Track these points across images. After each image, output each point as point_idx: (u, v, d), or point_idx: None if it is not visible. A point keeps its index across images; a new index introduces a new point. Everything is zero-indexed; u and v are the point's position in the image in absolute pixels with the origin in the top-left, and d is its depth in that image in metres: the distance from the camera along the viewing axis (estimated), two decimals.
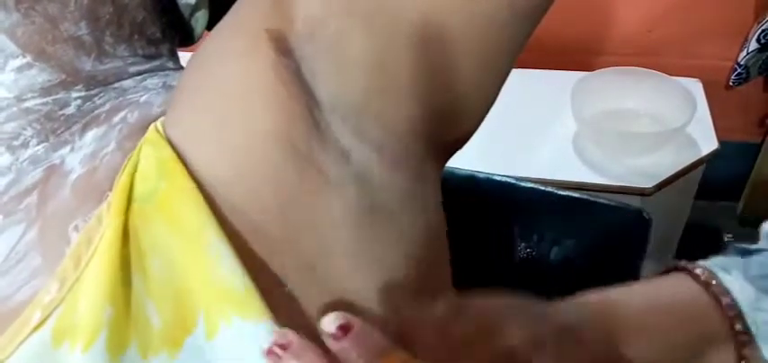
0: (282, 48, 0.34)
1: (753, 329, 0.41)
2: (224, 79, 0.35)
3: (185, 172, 0.33)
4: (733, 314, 0.41)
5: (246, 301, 0.32)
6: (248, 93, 0.34)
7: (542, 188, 0.54)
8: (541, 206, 0.54)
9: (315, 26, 0.34)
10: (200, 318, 0.32)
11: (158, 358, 0.32)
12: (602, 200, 0.54)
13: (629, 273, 0.57)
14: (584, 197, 0.54)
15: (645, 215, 0.54)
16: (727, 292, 0.42)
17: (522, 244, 0.53)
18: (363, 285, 0.35)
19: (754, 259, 0.44)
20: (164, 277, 0.33)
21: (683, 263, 0.44)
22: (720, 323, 0.42)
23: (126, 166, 0.34)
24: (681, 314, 0.43)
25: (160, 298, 0.32)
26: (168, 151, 0.34)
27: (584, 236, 0.54)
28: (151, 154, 0.34)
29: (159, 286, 0.32)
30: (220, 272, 0.32)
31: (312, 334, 0.32)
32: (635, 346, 0.41)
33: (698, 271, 0.43)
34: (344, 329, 0.32)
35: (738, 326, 0.41)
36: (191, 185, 0.33)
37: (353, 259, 0.35)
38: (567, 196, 0.54)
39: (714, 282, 0.42)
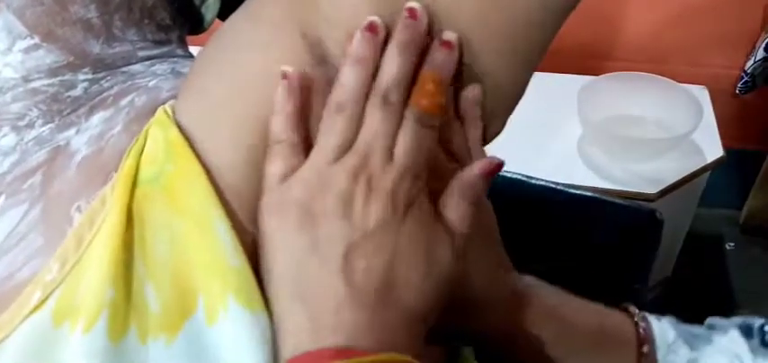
0: (320, 55, 0.35)
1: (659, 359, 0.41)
2: (243, 69, 0.35)
3: (193, 156, 0.33)
4: (645, 334, 0.42)
5: (246, 287, 0.32)
6: (269, 85, 0.34)
7: (554, 185, 0.54)
8: (553, 204, 0.54)
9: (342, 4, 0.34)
10: (200, 302, 0.32)
11: (157, 343, 0.32)
12: (615, 200, 0.54)
13: (639, 274, 0.56)
14: (597, 196, 0.54)
15: (658, 215, 0.54)
16: (647, 322, 0.43)
17: (533, 242, 0.52)
18: None
19: (693, 327, 0.44)
20: (165, 258, 0.32)
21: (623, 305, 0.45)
22: (630, 334, 0.42)
23: (132, 148, 0.34)
24: (592, 308, 0.43)
25: (160, 280, 0.32)
26: (176, 133, 0.34)
27: (596, 236, 0.53)
28: (159, 137, 0.34)
29: (160, 267, 0.32)
30: (222, 256, 0.32)
31: None
32: (536, 322, 0.41)
33: (631, 308, 0.44)
34: None
35: (646, 348, 0.42)
36: (198, 169, 0.33)
37: None
38: (580, 195, 0.54)
39: (639, 314, 0.43)
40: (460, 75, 0.35)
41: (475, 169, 0.35)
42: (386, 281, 0.32)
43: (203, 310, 0.32)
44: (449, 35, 0.34)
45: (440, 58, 0.34)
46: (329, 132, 0.33)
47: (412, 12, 0.33)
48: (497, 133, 0.40)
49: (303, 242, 0.32)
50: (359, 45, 0.33)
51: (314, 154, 0.34)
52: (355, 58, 0.33)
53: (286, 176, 0.33)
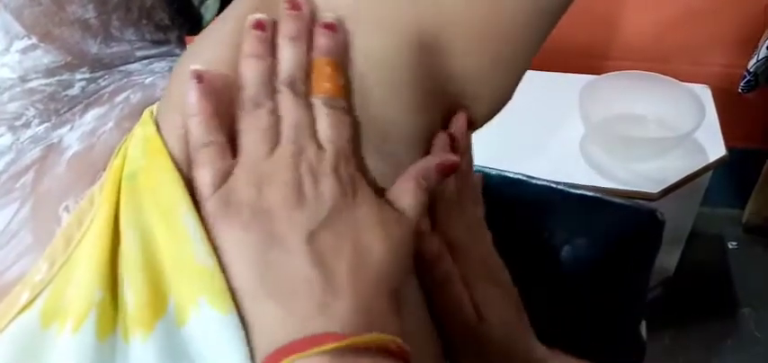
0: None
1: None
2: (206, 65, 0.34)
3: (165, 151, 0.33)
4: None
5: (216, 287, 0.31)
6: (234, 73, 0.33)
7: (555, 185, 0.53)
8: (554, 203, 0.53)
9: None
10: (171, 301, 0.32)
11: (135, 339, 0.31)
12: (616, 200, 0.54)
13: (639, 274, 0.56)
14: (598, 196, 0.54)
15: (659, 215, 0.53)
16: None
17: (533, 242, 0.52)
18: None
19: None
20: (136, 255, 0.32)
21: None
22: None
23: (121, 147, 0.34)
24: None
25: (134, 278, 0.32)
26: (152, 129, 0.33)
27: (597, 236, 0.53)
28: (139, 135, 0.34)
29: (132, 264, 0.32)
30: (190, 254, 0.32)
31: None
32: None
33: None
34: None
35: None
36: (168, 164, 0.33)
37: None
38: (581, 194, 0.54)
39: None
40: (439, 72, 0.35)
41: (432, 160, 0.36)
42: (356, 257, 0.32)
43: (174, 310, 0.32)
44: (328, 17, 0.34)
45: (325, 42, 0.34)
46: (252, 129, 0.33)
47: (293, 3, 0.34)
48: (481, 119, 0.39)
49: (261, 239, 0.31)
50: (249, 43, 0.33)
51: (244, 153, 0.33)
52: (249, 55, 0.33)
53: (220, 180, 0.32)
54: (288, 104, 0.33)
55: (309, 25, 0.34)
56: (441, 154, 0.36)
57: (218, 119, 0.33)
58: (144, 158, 0.33)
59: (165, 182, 0.32)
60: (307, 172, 0.33)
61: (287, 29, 0.34)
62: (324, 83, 0.34)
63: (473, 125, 0.39)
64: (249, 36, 0.33)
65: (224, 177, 0.32)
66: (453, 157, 0.36)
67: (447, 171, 0.36)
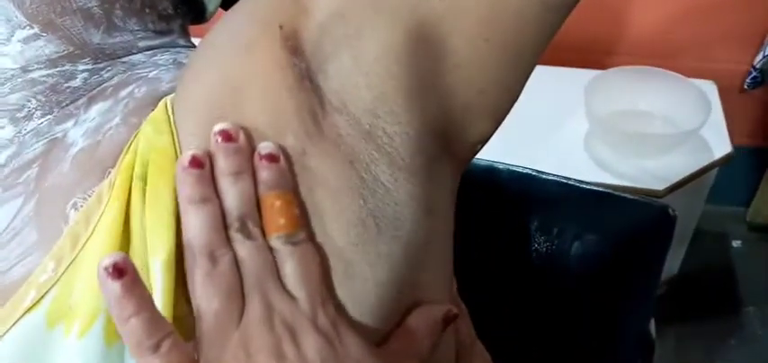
0: (293, 46, 0.33)
1: None
2: (227, 67, 0.34)
3: (174, 155, 0.32)
4: None
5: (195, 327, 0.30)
6: (248, 88, 0.33)
7: (565, 180, 0.53)
8: (563, 199, 0.53)
9: (334, 22, 0.32)
10: None
11: None
12: (626, 196, 0.53)
13: (650, 271, 0.56)
14: (609, 191, 0.53)
15: (670, 211, 0.53)
16: None
17: (542, 238, 0.51)
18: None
19: None
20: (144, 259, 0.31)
21: None
22: None
23: (131, 143, 0.33)
24: None
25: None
26: (167, 139, 0.33)
27: (607, 232, 0.52)
28: (149, 134, 0.33)
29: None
30: (173, 288, 0.31)
31: None
32: None
33: None
34: None
35: None
36: (169, 189, 0.32)
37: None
38: (591, 190, 0.53)
39: None
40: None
41: (438, 312, 0.35)
42: None
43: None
44: (266, 148, 0.31)
45: (269, 176, 0.31)
46: (209, 295, 0.30)
47: (225, 134, 0.31)
48: (486, 137, 0.37)
49: None
50: (188, 187, 0.31)
51: (204, 327, 0.29)
52: (190, 201, 0.30)
53: None
54: (243, 252, 0.30)
55: (249, 155, 0.31)
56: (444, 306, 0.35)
57: (156, 320, 0.28)
58: (151, 165, 0.32)
59: (161, 205, 0.31)
60: (283, 330, 0.29)
61: (226, 165, 0.31)
62: (277, 219, 0.31)
63: (484, 136, 0.38)
64: (187, 178, 0.30)
65: (236, 298, 0.30)
66: (453, 311, 0.35)
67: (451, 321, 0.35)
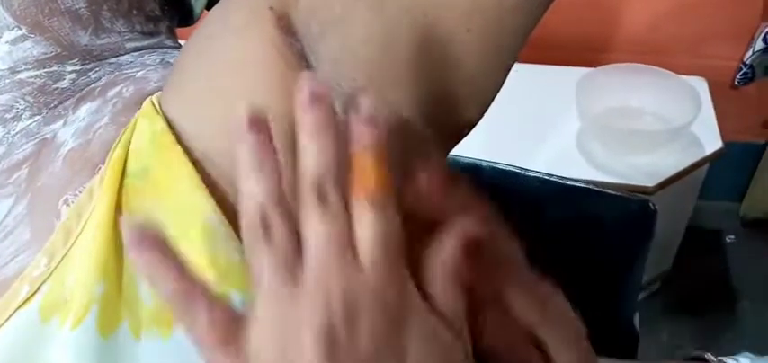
0: (285, 25, 0.33)
1: None
2: (223, 54, 0.34)
3: (179, 147, 0.32)
4: None
5: (245, 276, 0.30)
6: (247, 68, 0.33)
7: (548, 177, 0.53)
8: (546, 195, 0.53)
9: (320, 4, 0.33)
10: None
11: (151, 336, 0.31)
12: (607, 191, 0.54)
13: (633, 265, 0.56)
14: (590, 187, 0.54)
15: (651, 205, 0.53)
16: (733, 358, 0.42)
17: (525, 234, 0.52)
18: None
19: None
20: None
21: (697, 353, 0.44)
22: None
23: (120, 140, 0.33)
24: None
25: None
26: (163, 125, 0.33)
27: (589, 227, 0.53)
28: (146, 129, 0.33)
29: None
30: (217, 248, 0.31)
31: None
32: None
33: (708, 356, 0.43)
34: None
35: None
36: (184, 159, 0.32)
37: None
38: (573, 186, 0.54)
39: (715, 360, 0.42)
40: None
41: (450, 246, 0.29)
42: None
43: None
44: (364, 106, 0.28)
45: (366, 133, 0.28)
46: (263, 264, 0.27)
47: (313, 95, 0.28)
48: (472, 122, 0.37)
49: None
50: (247, 155, 0.28)
51: (257, 298, 0.27)
52: (250, 168, 0.28)
53: (284, 272, 0.27)
54: (310, 217, 0.27)
55: (332, 113, 0.28)
56: (458, 233, 0.29)
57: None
58: (154, 156, 0.32)
59: (180, 180, 0.32)
60: (340, 310, 0.26)
61: (310, 122, 0.28)
62: (366, 182, 0.27)
63: (470, 122, 0.38)
64: (244, 144, 0.28)
65: (290, 269, 0.27)
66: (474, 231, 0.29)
67: (473, 246, 0.29)
